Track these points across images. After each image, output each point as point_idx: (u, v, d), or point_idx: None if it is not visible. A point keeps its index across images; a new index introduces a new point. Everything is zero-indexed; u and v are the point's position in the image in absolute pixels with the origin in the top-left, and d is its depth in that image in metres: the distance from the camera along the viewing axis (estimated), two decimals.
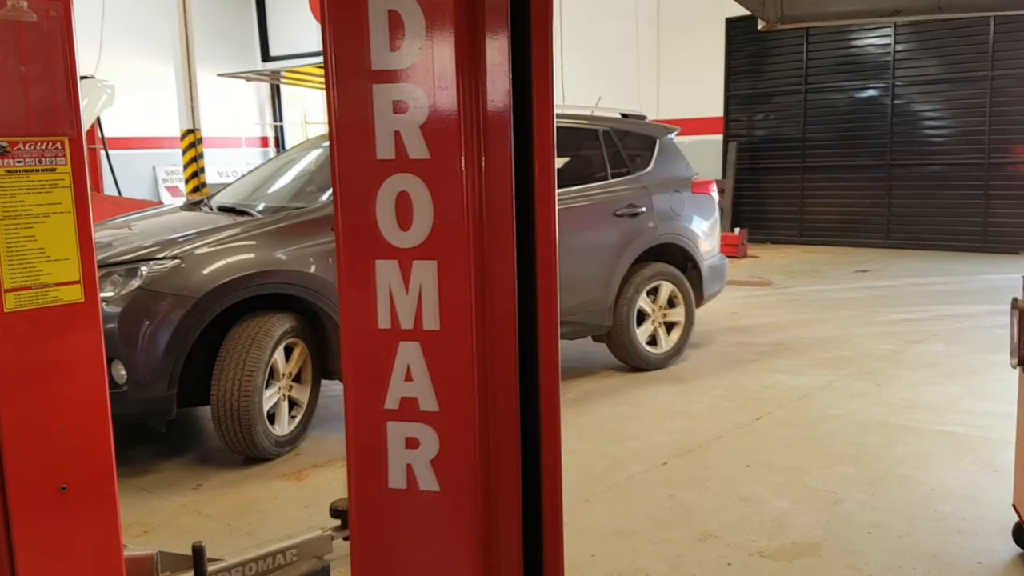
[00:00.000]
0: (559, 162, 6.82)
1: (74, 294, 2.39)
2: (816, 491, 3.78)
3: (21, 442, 2.29)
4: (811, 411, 4.96)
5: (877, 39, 11.84)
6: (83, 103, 8.58)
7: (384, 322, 1.30)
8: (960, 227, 11.38)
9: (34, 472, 2.33)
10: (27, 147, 2.20)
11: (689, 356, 6.21)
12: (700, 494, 3.78)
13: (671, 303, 6.05)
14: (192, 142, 13.04)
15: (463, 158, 1.26)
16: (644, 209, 5.88)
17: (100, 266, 4.20)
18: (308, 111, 19.45)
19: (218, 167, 18.08)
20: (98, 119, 9.21)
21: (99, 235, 5.16)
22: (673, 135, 6.50)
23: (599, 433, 4.64)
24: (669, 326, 6.08)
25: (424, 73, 1.25)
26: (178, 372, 4.00)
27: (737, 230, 11.61)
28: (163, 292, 4.03)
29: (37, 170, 2.26)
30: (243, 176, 6.23)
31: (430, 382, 1.30)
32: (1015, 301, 2.99)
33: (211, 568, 2.58)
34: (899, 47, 11.66)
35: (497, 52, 1.26)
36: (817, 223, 12.60)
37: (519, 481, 1.37)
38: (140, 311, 3.98)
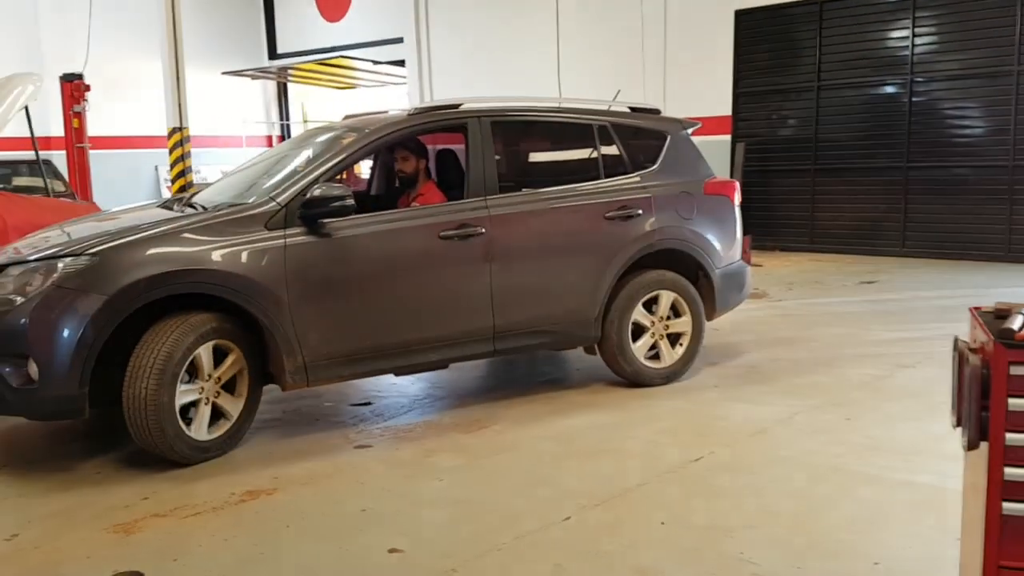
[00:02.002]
0: (540, 159, 6.35)
1: None
2: (730, 560, 3.15)
3: None
4: (760, 451, 4.31)
5: (895, 31, 11.04)
6: (10, 96, 8.18)
7: None
8: (982, 235, 10.53)
9: None
10: None
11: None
12: (592, 563, 3.16)
13: (677, 314, 5.49)
14: (179, 140, 12.64)
15: None
16: (640, 212, 5.33)
17: (18, 263, 4.18)
18: (309, 109, 19.05)
19: (223, 166, 17.74)
20: (27, 111, 8.78)
21: (47, 233, 4.92)
22: (690, 131, 5.89)
23: (507, 477, 4.04)
24: (674, 339, 5.51)
25: None
26: (88, 371, 3.92)
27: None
28: (75, 290, 3.96)
29: None
30: (229, 173, 5.86)
31: None
32: (957, 343, 2.34)
33: None
34: (919, 40, 10.85)
35: None
36: (829, 229, 11.81)
37: None
38: (51, 309, 3.94)
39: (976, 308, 2.47)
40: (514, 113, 5.46)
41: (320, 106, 19.30)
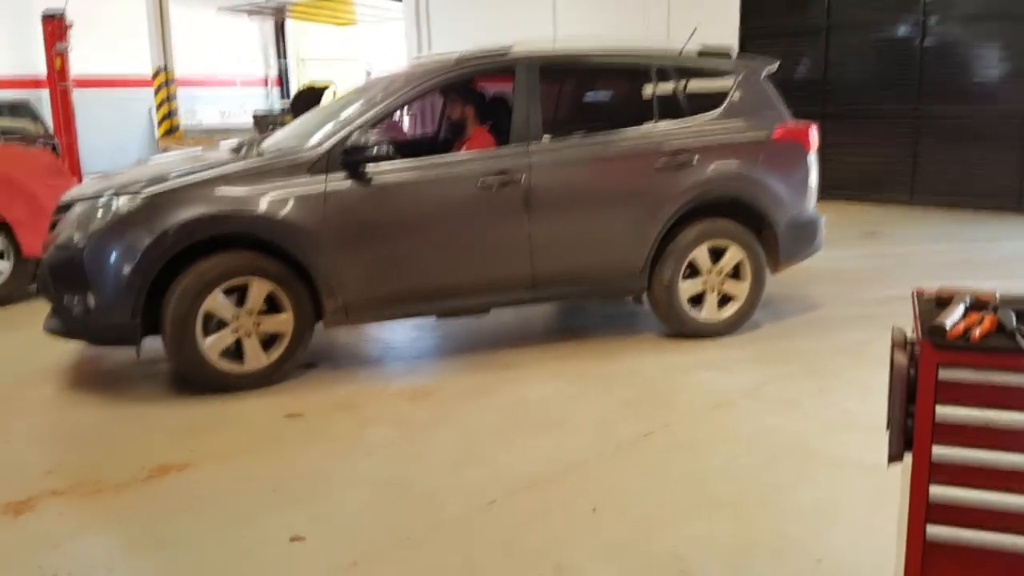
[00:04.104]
0: (591, 104, 5.80)
1: None
2: (659, 557, 2.87)
3: None
4: (719, 426, 4.01)
5: None
6: None
7: None
8: (993, 184, 10.04)
9: None
10: None
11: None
12: (507, 558, 2.89)
13: (736, 266, 5.26)
14: (164, 81, 12.29)
15: None
16: (696, 159, 5.07)
17: (82, 201, 4.50)
18: (306, 48, 18.55)
19: (221, 108, 17.39)
20: None
21: (119, 173, 5.15)
22: (764, 71, 5.51)
23: (441, 454, 3.76)
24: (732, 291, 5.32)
25: None
26: (140, 303, 4.23)
27: None
28: (128, 228, 4.24)
29: None
30: (304, 119, 5.69)
31: None
32: (895, 336, 1.99)
33: None
34: None
35: None
36: (836, 177, 11.24)
37: None
38: (106, 244, 4.24)
39: (919, 291, 2.14)
40: (566, 57, 5.30)
41: (318, 45, 18.81)
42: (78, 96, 12.19)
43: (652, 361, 4.93)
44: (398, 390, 4.55)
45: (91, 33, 13.87)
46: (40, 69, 13.90)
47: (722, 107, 5.32)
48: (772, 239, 5.36)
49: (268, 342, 4.48)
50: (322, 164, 4.46)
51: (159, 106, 12.50)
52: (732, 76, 5.40)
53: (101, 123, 14.92)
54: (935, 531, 1.81)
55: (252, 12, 17.34)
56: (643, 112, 5.26)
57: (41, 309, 6.22)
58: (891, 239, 8.73)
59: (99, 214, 4.33)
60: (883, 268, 7.39)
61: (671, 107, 5.26)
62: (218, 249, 4.33)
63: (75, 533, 3.07)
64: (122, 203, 4.30)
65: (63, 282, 4.38)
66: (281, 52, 18.77)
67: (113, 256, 4.22)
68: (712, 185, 5.14)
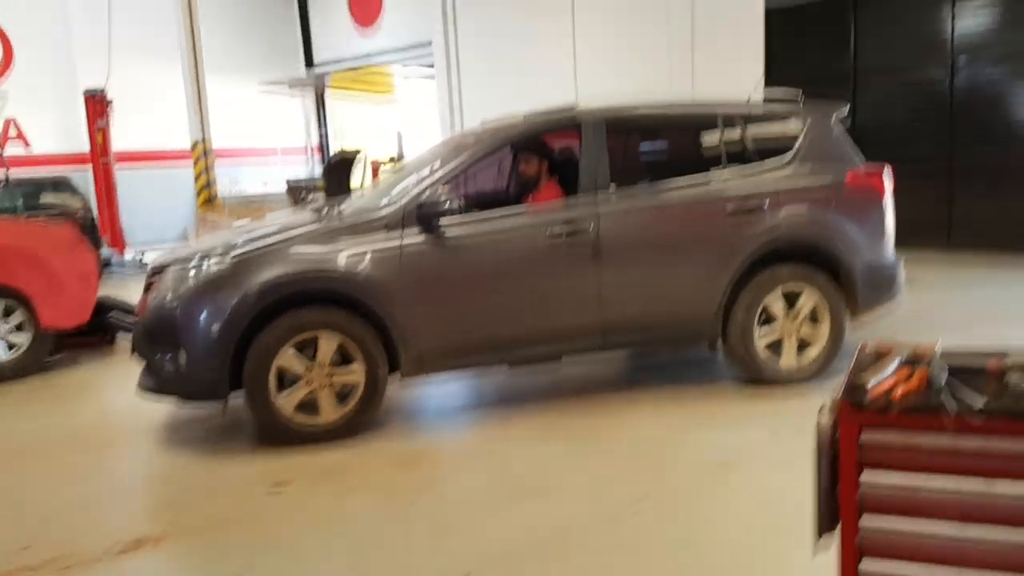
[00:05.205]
0: (657, 155, 5.91)
1: None
2: None
3: None
4: (717, 489, 3.83)
5: (934, 11, 10.28)
6: None
7: None
8: None
9: None
10: None
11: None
12: None
13: (813, 313, 5.20)
14: (201, 153, 12.58)
15: None
16: (767, 205, 5.06)
17: (174, 264, 4.72)
18: (344, 117, 18.91)
19: (262, 176, 17.72)
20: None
21: (210, 238, 5.56)
22: (835, 116, 5.49)
23: (417, 525, 3.61)
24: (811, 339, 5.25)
25: None
26: (227, 360, 4.38)
27: None
28: (214, 290, 4.43)
29: None
30: (378, 182, 6.10)
31: None
32: (831, 397, 1.84)
33: None
34: (957, 21, 10.07)
35: None
36: None
37: None
38: (196, 305, 4.44)
39: (864, 345, 2.01)
40: (631, 111, 5.39)
41: (356, 114, 19.18)
42: (125, 172, 12.51)
43: (650, 419, 4.78)
44: (389, 454, 4.45)
45: (137, 111, 14.30)
46: (85, 146, 14.37)
47: (792, 152, 5.30)
48: (850, 285, 5.26)
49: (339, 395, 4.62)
50: (398, 220, 4.63)
51: (197, 177, 12.79)
52: (801, 121, 5.39)
53: (148, 196, 15.26)
54: None
55: (292, 85, 17.77)
56: (711, 162, 5.28)
57: (54, 381, 6.30)
58: (923, 285, 8.40)
59: (190, 275, 4.53)
60: (909, 317, 7.09)
61: (740, 155, 5.26)
62: (306, 304, 4.49)
63: None
64: (211, 265, 4.49)
65: (156, 341, 4.57)
66: (321, 121, 19.14)
67: (202, 315, 4.40)
68: (784, 231, 5.11)
